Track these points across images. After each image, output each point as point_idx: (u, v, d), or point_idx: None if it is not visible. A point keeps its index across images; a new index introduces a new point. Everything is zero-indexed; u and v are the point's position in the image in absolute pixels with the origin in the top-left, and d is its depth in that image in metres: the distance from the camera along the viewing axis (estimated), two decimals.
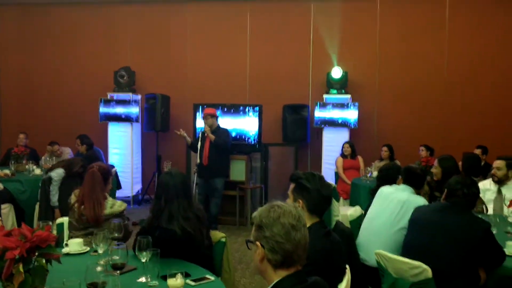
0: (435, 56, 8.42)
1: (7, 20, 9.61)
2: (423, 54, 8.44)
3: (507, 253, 2.96)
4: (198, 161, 6.63)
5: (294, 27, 8.80)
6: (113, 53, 9.18)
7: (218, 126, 6.88)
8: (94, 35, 9.30)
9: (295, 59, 8.77)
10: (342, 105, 8.15)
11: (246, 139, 7.66)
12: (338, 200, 6.80)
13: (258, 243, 1.69)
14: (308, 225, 1.92)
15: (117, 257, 2.52)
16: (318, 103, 8.21)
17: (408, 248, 3.06)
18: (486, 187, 4.60)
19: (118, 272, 2.31)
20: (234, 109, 7.70)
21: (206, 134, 6.72)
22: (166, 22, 9.13)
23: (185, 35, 9.07)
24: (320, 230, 2.45)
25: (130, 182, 8.64)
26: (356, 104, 8.12)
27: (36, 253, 2.13)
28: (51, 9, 9.41)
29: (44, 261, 2.14)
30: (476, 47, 8.29)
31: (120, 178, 8.02)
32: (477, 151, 7.07)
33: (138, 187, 8.99)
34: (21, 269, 2.04)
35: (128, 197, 8.48)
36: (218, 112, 7.21)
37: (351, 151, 7.59)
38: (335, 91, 8.30)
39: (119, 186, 7.87)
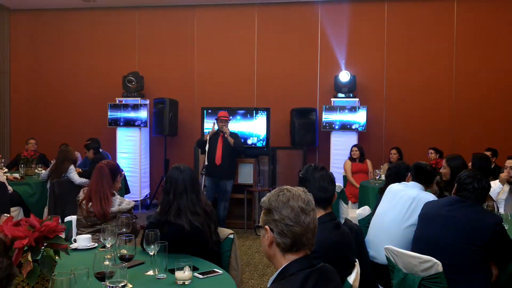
0: (443, 59, 8.39)
1: (18, 26, 9.72)
2: (431, 57, 8.42)
3: None
4: (207, 162, 6.62)
5: (302, 31, 8.82)
6: (122, 58, 9.25)
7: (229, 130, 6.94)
8: (103, 40, 9.38)
9: (303, 63, 8.79)
10: (350, 109, 8.13)
11: (254, 142, 7.67)
12: (346, 203, 6.78)
13: (267, 227, 1.68)
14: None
15: (125, 251, 2.52)
16: (326, 107, 8.20)
17: (418, 243, 3.02)
18: (492, 188, 4.54)
19: (125, 264, 2.30)
20: (242, 112, 7.71)
21: (220, 136, 6.76)
22: (174, 26, 9.20)
23: (192, 39, 9.12)
24: (330, 222, 2.43)
25: (138, 186, 8.65)
26: (365, 107, 8.09)
27: (45, 243, 2.14)
28: (61, 14, 9.51)
29: (52, 251, 2.14)
30: (484, 50, 8.26)
31: (128, 182, 8.04)
32: (487, 154, 7.00)
33: (146, 191, 9.00)
34: (30, 259, 2.04)
35: (137, 201, 8.49)
36: None
37: (360, 155, 7.55)
38: (343, 95, 8.28)
39: (127, 190, 7.88)
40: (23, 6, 9.52)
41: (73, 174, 6.34)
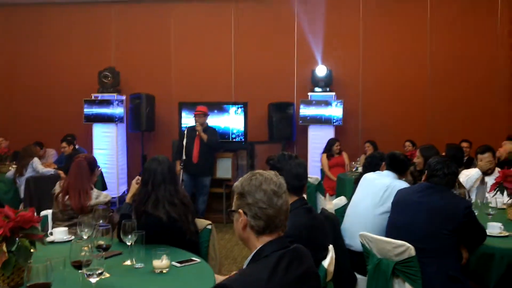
0: (418, 53, 8.53)
1: None
2: (406, 51, 8.55)
3: (488, 233, 3.01)
4: (185, 157, 6.61)
5: (279, 25, 8.85)
6: (97, 54, 9.13)
7: (207, 125, 6.90)
8: (78, 35, 9.24)
9: (280, 58, 8.82)
10: (327, 103, 8.20)
11: (232, 137, 7.69)
12: (324, 196, 6.86)
13: (240, 210, 1.71)
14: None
15: (102, 242, 2.52)
16: (303, 101, 8.26)
17: (391, 228, 3.09)
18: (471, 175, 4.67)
19: (103, 253, 2.31)
20: (219, 107, 7.72)
21: (197, 133, 6.72)
22: (150, 21, 9.12)
23: (169, 34, 9.06)
24: (302, 207, 2.48)
25: (116, 182, 8.58)
26: (341, 101, 8.18)
27: (20, 234, 2.13)
28: (35, 9, 9.33)
29: (28, 242, 2.13)
30: (458, 42, 8.41)
31: (105, 178, 7.97)
32: (464, 144, 7.17)
33: (123, 187, 8.92)
34: (5, 249, 2.03)
35: (114, 197, 8.42)
36: None
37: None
38: (320, 89, 8.36)
39: (104, 187, 7.81)
40: None
41: (37, 164, 6.46)
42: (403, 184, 3.49)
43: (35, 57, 9.34)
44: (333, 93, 8.32)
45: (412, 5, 8.58)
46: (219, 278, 2.31)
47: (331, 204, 5.24)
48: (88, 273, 1.98)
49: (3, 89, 9.49)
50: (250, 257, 1.69)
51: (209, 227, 3.27)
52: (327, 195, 7.26)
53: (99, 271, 2.00)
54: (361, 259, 3.23)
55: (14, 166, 7.00)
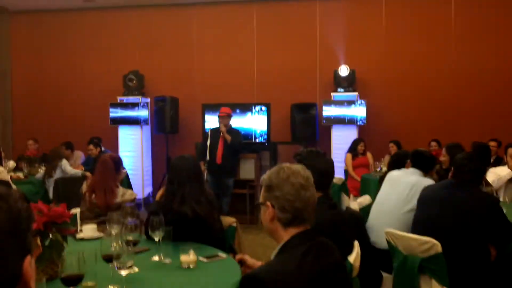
0: (443, 51, 8.42)
1: (17, 28, 9.78)
2: (430, 49, 8.44)
3: None
4: (208, 158, 6.66)
5: (300, 26, 8.87)
6: (122, 57, 9.29)
7: (231, 126, 6.94)
8: (103, 39, 9.43)
9: (302, 58, 8.82)
10: (350, 103, 8.16)
11: (255, 138, 7.72)
12: (348, 195, 6.82)
13: (268, 203, 1.73)
14: None
15: (131, 238, 2.57)
16: (326, 101, 8.24)
17: (417, 225, 3.07)
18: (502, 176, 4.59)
19: (132, 246, 2.36)
20: (242, 108, 7.76)
21: (221, 134, 6.75)
22: (173, 25, 9.24)
23: (192, 37, 9.16)
24: (325, 202, 2.48)
25: (141, 184, 8.71)
26: (364, 101, 8.14)
27: (53, 229, 2.19)
28: (61, 15, 9.57)
29: (60, 236, 2.20)
30: (484, 39, 8.27)
31: (130, 180, 8.10)
32: (492, 143, 7.04)
33: (148, 189, 9.05)
34: (39, 242, 2.10)
35: (139, 199, 8.54)
36: None
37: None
38: (342, 89, 8.32)
39: (130, 188, 7.94)
40: (22, 7, 9.58)
41: (65, 166, 6.56)
42: (429, 182, 3.45)
43: (61, 62, 9.57)
44: (356, 93, 8.28)
45: (436, 3, 8.48)
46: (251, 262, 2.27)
47: (355, 204, 5.23)
48: (119, 266, 2.03)
49: (32, 93, 9.74)
50: (277, 249, 1.71)
51: (234, 224, 3.31)
52: (351, 195, 7.21)
53: (129, 264, 2.05)
54: (387, 256, 3.21)
55: (43, 168, 7.16)
